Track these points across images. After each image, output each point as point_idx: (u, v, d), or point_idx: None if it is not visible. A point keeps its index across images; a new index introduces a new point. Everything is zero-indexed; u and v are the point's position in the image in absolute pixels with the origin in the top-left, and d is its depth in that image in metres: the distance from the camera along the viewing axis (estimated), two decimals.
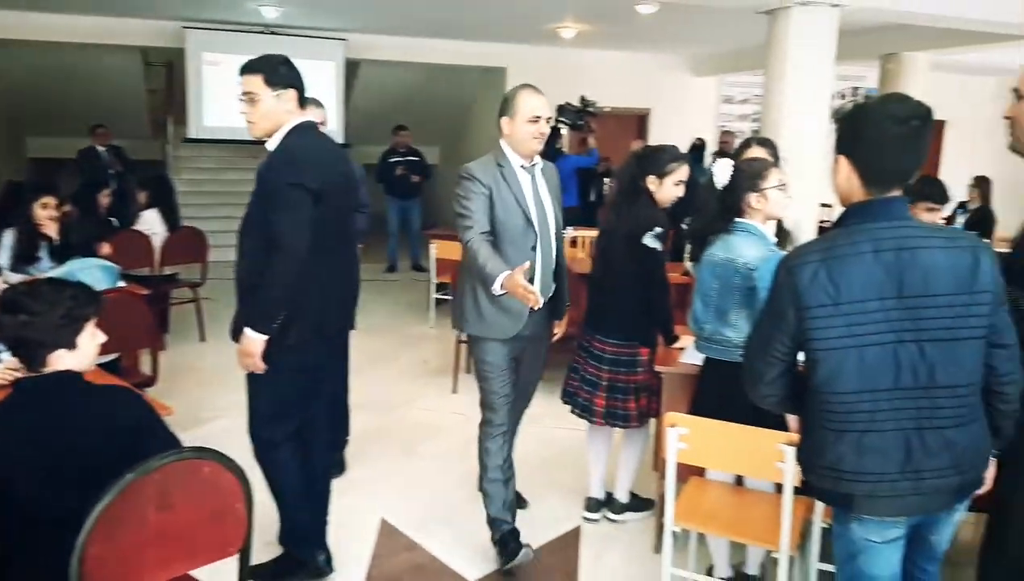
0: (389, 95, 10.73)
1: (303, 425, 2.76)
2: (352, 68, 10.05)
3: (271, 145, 2.55)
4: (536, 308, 2.52)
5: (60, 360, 1.88)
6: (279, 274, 2.42)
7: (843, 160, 1.70)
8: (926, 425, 1.62)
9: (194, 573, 1.94)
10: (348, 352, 3.70)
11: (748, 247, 2.56)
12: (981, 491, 1.80)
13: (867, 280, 1.60)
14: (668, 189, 3.04)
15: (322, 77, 8.92)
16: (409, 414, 4.64)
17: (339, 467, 3.74)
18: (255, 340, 2.46)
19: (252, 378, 2.61)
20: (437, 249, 6.40)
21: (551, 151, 8.31)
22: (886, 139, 1.63)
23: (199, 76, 8.85)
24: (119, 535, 1.64)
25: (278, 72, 2.52)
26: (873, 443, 1.63)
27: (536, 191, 2.86)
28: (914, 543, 1.81)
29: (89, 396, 1.92)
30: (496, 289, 2.55)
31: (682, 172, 3.05)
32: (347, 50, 9.41)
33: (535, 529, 3.18)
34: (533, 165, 2.85)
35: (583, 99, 7.91)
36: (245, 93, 2.52)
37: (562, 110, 7.86)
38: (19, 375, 2.18)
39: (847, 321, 1.61)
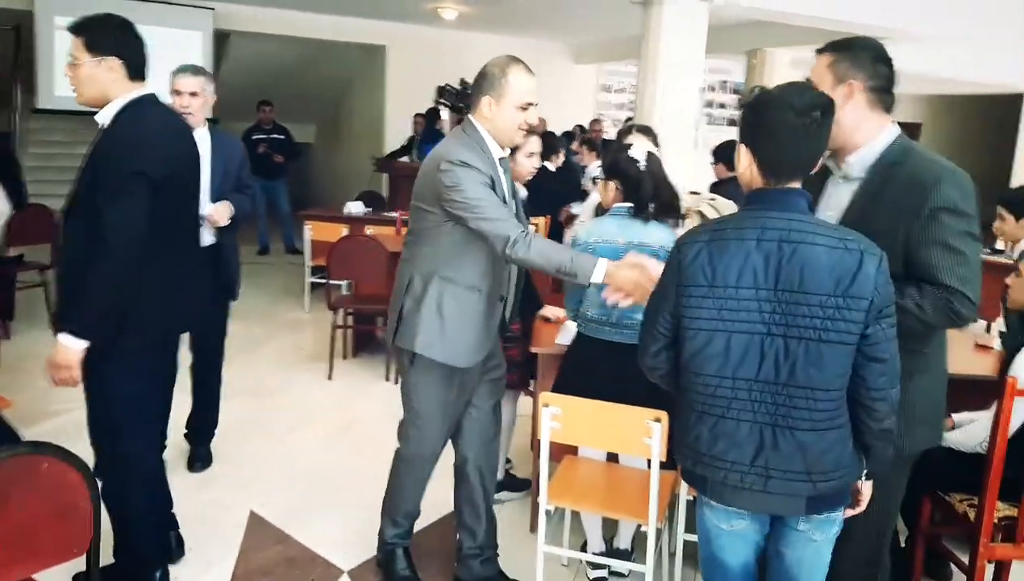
0: (261, 70, 10.29)
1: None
2: (222, 40, 9.57)
3: (101, 119, 2.28)
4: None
5: None
6: (105, 275, 2.14)
7: (743, 148, 1.69)
8: (780, 423, 1.61)
9: (38, 577, 1.80)
10: (218, 342, 3.55)
11: (657, 231, 2.59)
12: (854, 512, 1.78)
13: (745, 267, 1.59)
14: (521, 163, 2.90)
15: (189, 48, 8.43)
16: (282, 401, 4.49)
17: (205, 461, 3.59)
18: (71, 349, 2.15)
19: (92, 389, 2.31)
20: (312, 231, 6.21)
21: (431, 133, 8.27)
22: (784, 129, 1.60)
23: (50, 41, 8.17)
24: None
25: (102, 37, 2.24)
26: (728, 430, 1.64)
27: (511, 186, 2.55)
28: (771, 559, 1.79)
29: None
30: (597, 279, 2.20)
31: (532, 144, 2.88)
32: (216, 20, 8.94)
33: None
34: (503, 157, 2.48)
35: (463, 82, 7.89)
36: (69, 55, 2.27)
37: (442, 92, 7.83)
38: None
39: (719, 305, 1.61)
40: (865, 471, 1.74)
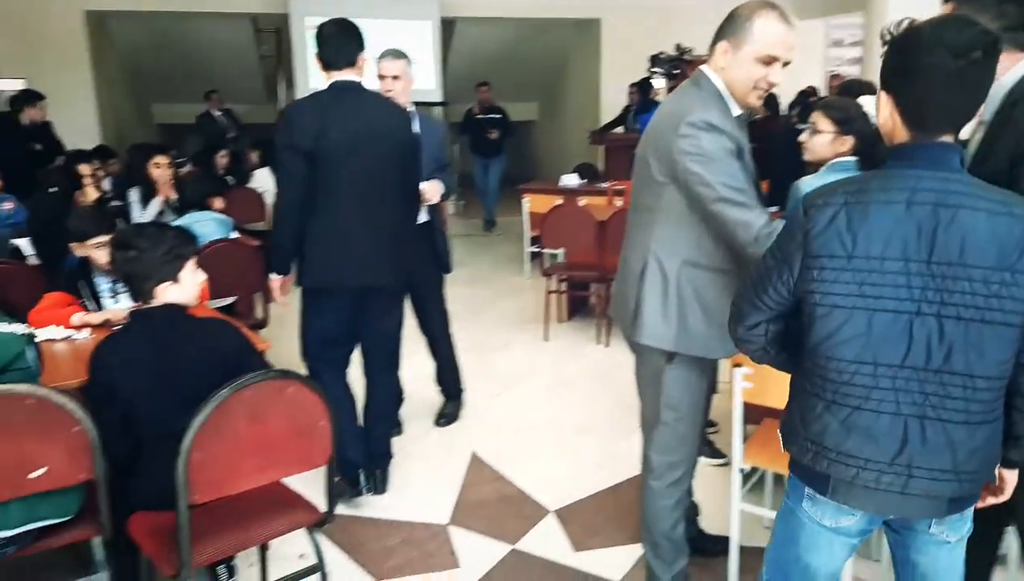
0: (484, 53, 10.79)
1: (341, 360, 3.06)
2: (448, 27, 10.16)
3: None
4: None
5: (166, 293, 2.12)
6: (275, 225, 2.84)
7: (883, 95, 1.45)
8: (930, 415, 1.39)
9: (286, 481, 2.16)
10: (438, 305, 3.76)
11: None
12: (993, 502, 1.57)
13: (892, 235, 1.36)
14: None
15: (418, 36, 9.07)
16: (502, 358, 4.80)
17: (449, 418, 3.84)
18: (271, 277, 2.94)
19: (300, 314, 3.00)
20: (530, 203, 6.48)
21: (645, 103, 8.21)
22: (937, 73, 1.35)
23: (303, 40, 9.20)
24: (217, 444, 1.84)
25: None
26: (864, 423, 1.41)
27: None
28: (901, 570, 1.60)
29: (191, 325, 2.15)
30: None
31: None
32: (442, 8, 9.52)
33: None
34: (740, 116, 2.10)
35: (679, 47, 7.73)
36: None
37: (656, 60, 7.71)
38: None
39: (859, 278, 1.38)
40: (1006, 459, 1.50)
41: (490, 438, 3.67)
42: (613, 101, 9.53)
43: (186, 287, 2.15)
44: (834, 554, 1.55)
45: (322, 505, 2.18)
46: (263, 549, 2.51)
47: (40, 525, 2.00)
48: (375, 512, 3.04)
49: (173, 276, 2.11)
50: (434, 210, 3.57)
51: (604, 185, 6.65)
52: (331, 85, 2.84)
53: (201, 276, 2.20)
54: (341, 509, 2.90)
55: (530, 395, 4.23)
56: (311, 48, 9.28)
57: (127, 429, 2.06)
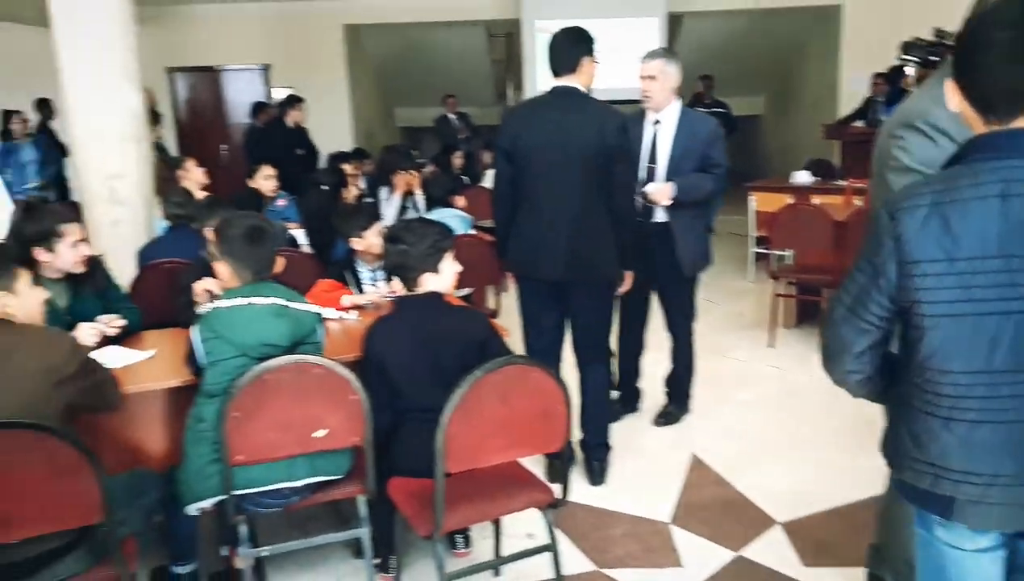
0: (710, 47, 10.54)
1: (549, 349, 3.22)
2: (675, 22, 10.05)
3: None
4: None
5: (428, 282, 2.36)
6: (494, 219, 3.23)
7: (949, 83, 1.36)
8: None
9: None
10: (679, 307, 3.77)
11: None
12: None
13: (990, 231, 1.26)
14: None
15: (645, 33, 9.07)
16: (724, 363, 4.72)
17: (668, 418, 3.84)
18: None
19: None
20: (756, 201, 6.27)
21: (895, 93, 7.57)
22: (993, 49, 1.26)
23: (533, 44, 9.57)
24: (469, 420, 2.03)
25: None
26: (986, 438, 1.31)
27: None
28: None
29: (448, 312, 2.38)
30: None
31: None
32: (669, 4, 9.44)
33: None
34: None
35: (938, 31, 7.05)
36: None
37: (909, 47, 7.09)
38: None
39: (964, 282, 1.28)
40: None
41: (711, 441, 3.64)
42: (852, 93, 8.92)
43: (445, 277, 2.38)
44: (990, 573, 1.41)
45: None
46: (496, 524, 2.71)
47: (319, 480, 2.32)
48: (596, 501, 3.15)
49: (434, 267, 2.35)
50: (674, 210, 3.46)
51: (842, 183, 6.26)
52: (551, 89, 3.06)
53: (457, 267, 2.42)
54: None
55: (753, 402, 4.13)
56: (540, 51, 9.84)
57: (390, 402, 2.33)
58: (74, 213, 2.81)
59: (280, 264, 2.44)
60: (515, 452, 2.15)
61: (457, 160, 7.03)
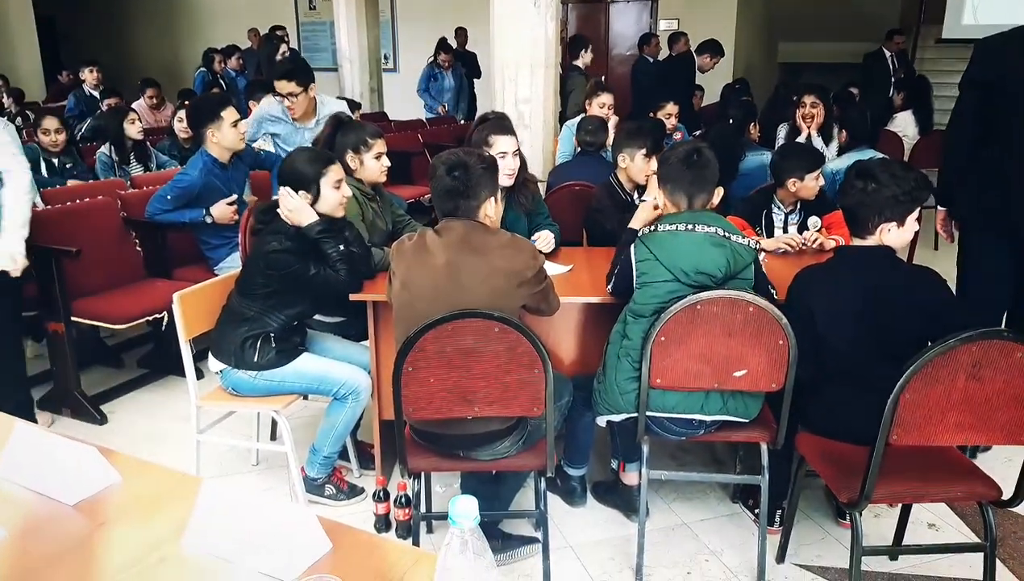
0: None
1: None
2: None
3: None
4: None
5: (885, 233, 2.10)
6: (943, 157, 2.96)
7: None
8: None
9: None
10: None
11: None
12: None
13: None
14: None
15: None
16: None
17: None
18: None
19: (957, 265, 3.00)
20: None
21: None
22: None
23: None
24: (931, 392, 1.79)
25: None
26: None
27: None
28: None
29: (902, 272, 2.12)
30: None
31: None
32: None
33: None
34: None
35: None
36: None
37: None
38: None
39: None
40: None
41: None
42: None
43: (905, 232, 2.10)
44: None
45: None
46: (905, 511, 2.45)
47: (726, 419, 2.27)
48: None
49: (901, 218, 2.08)
50: None
51: None
52: None
53: (915, 226, 2.13)
54: None
55: None
56: None
57: (814, 354, 2.17)
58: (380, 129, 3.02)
59: (717, 194, 2.37)
60: (976, 436, 1.86)
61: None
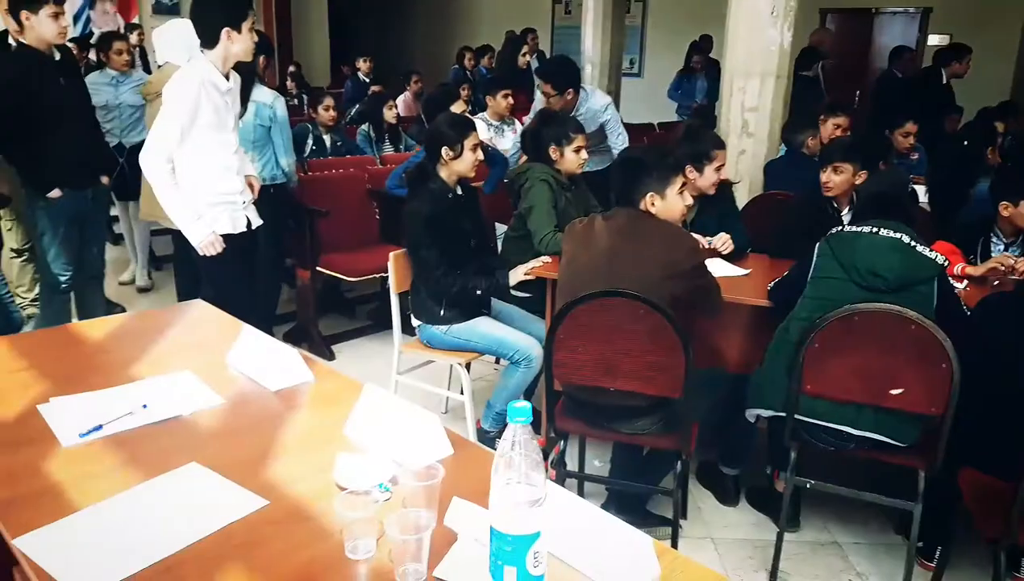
0: None
1: None
2: None
3: None
4: None
5: None
6: None
7: None
8: None
9: None
10: None
11: None
12: None
13: None
14: None
15: None
16: None
17: None
18: None
19: None
20: None
21: None
22: None
23: None
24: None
25: None
26: None
27: None
28: None
29: None
30: None
31: None
32: None
33: None
34: None
35: None
36: None
37: None
38: None
39: None
40: None
41: None
42: None
43: None
44: None
45: None
46: None
47: (878, 438, 2.22)
48: None
49: None
50: None
51: None
52: None
53: None
54: None
55: None
56: None
57: (981, 383, 2.06)
58: (722, 142, 3.10)
59: None
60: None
61: None
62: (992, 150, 4.01)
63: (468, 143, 2.88)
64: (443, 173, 2.90)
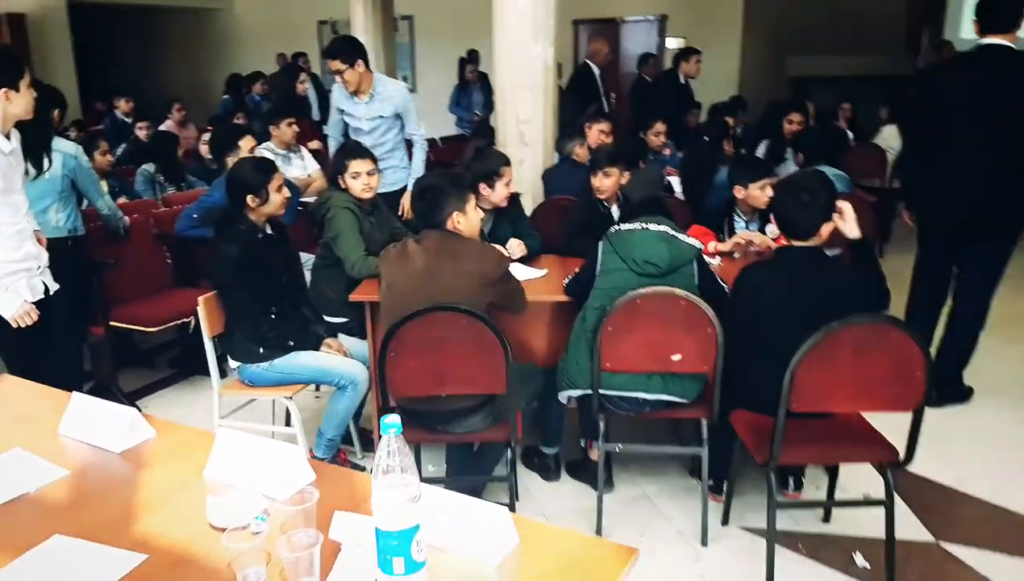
0: None
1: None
2: None
3: None
4: None
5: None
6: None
7: None
8: None
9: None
10: None
11: None
12: None
13: None
14: None
15: None
16: None
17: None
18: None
19: None
20: None
21: None
22: None
23: None
24: (820, 366, 2.14)
25: None
26: None
27: None
28: None
29: (827, 266, 2.48)
30: None
31: None
32: None
33: None
34: None
35: None
36: None
37: None
38: None
39: None
40: None
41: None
42: None
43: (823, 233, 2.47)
44: None
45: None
46: (832, 476, 2.78)
47: (668, 398, 2.63)
48: (948, 480, 3.01)
49: (829, 218, 2.45)
50: None
51: None
52: (976, 47, 3.17)
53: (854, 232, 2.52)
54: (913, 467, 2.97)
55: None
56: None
57: (745, 339, 2.51)
58: (508, 159, 3.37)
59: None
60: (861, 404, 2.21)
61: (845, 114, 6.68)
62: (727, 142, 4.71)
63: (272, 186, 2.94)
64: (252, 216, 2.94)
